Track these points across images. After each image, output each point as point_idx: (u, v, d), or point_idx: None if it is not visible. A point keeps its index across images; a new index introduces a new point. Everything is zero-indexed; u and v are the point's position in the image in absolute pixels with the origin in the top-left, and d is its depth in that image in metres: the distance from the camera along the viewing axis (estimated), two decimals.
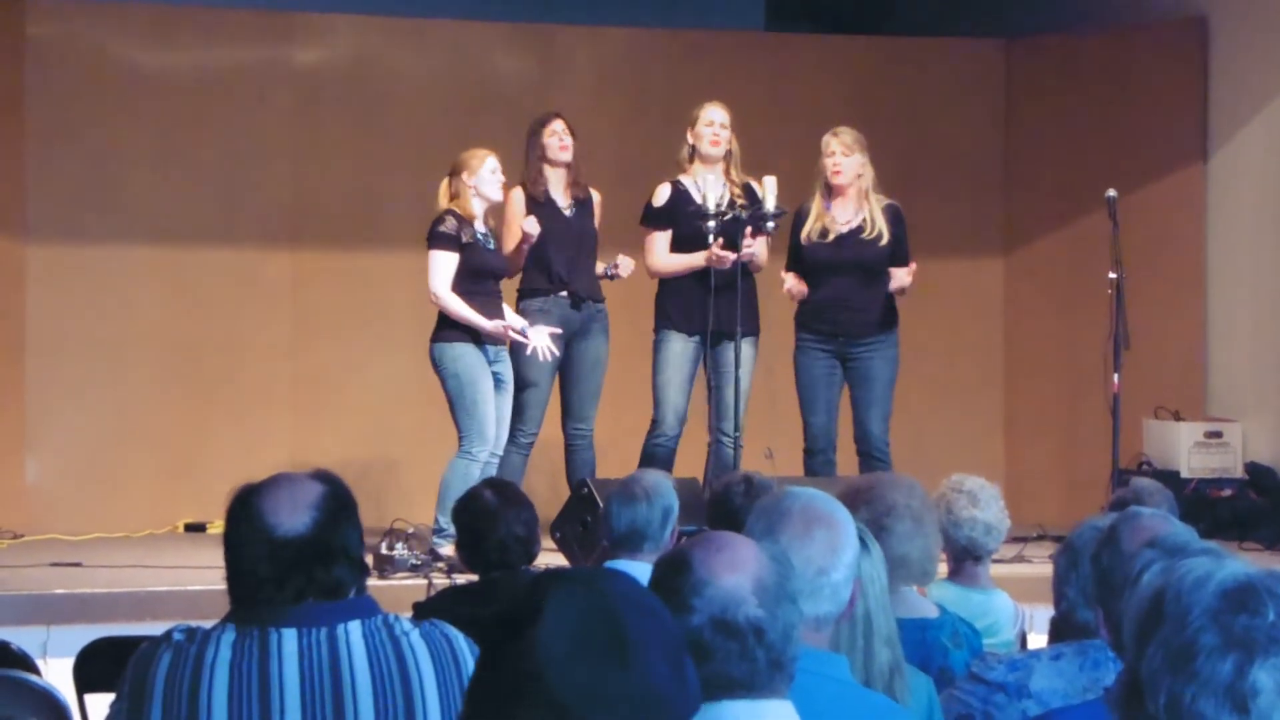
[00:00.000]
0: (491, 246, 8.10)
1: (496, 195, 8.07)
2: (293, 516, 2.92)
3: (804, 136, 8.51)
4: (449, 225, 7.97)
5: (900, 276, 8.29)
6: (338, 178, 9.98)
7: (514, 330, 7.92)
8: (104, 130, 9.66)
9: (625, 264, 8.40)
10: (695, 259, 8.26)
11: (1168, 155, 10.16)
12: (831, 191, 8.33)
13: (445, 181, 8.08)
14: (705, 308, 8.22)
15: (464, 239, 7.97)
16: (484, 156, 8.05)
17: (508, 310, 8.17)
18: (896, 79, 10.70)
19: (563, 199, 8.38)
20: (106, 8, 9.87)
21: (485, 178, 8.03)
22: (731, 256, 8.14)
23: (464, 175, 8.02)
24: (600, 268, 8.46)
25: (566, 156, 8.33)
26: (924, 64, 10.82)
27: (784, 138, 9.35)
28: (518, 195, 8.31)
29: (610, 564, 4.94)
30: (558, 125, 8.34)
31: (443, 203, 8.06)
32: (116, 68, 9.75)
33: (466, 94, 10.14)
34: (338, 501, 2.98)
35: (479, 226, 8.05)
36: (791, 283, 8.29)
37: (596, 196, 8.49)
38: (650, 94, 9.49)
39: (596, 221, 8.48)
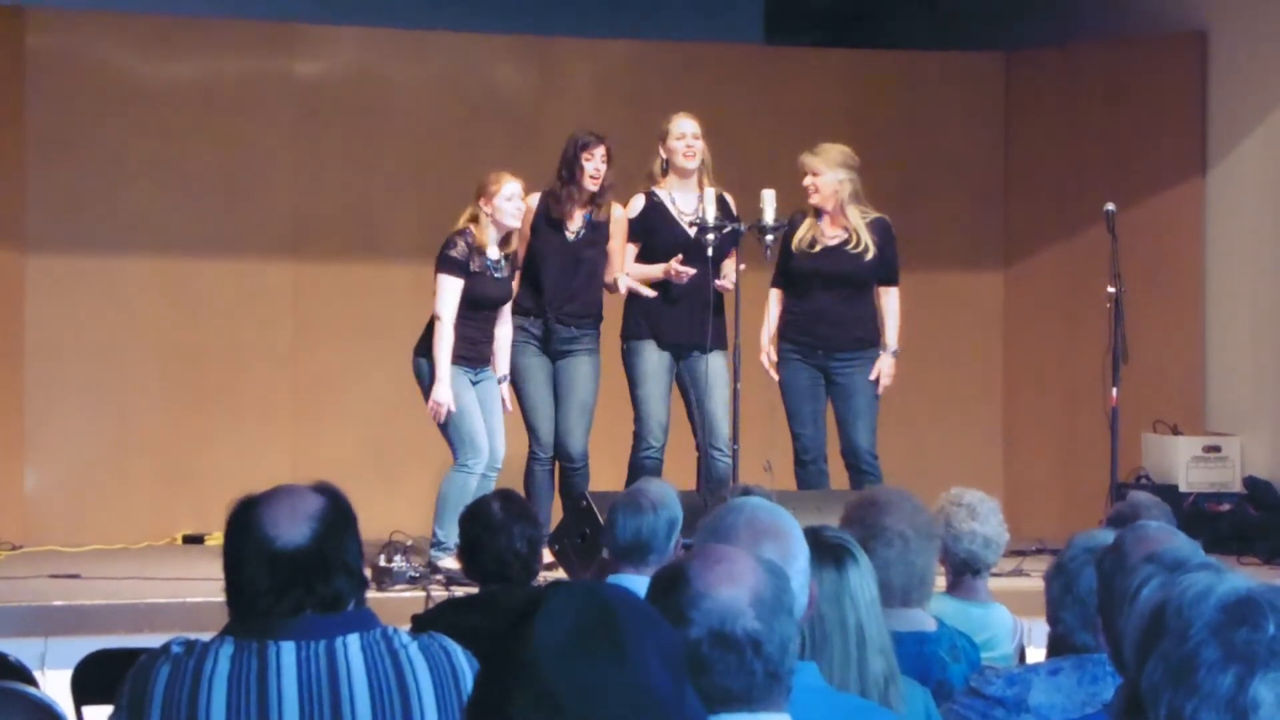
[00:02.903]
0: (500, 275, 8.08)
1: (513, 223, 8.03)
2: (292, 528, 2.92)
3: (803, 149, 8.51)
4: (459, 250, 7.96)
5: (892, 318, 8.41)
6: (338, 188, 9.98)
7: (439, 411, 7.90)
8: (104, 141, 9.67)
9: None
10: (654, 271, 8.26)
11: (1167, 169, 10.16)
12: (817, 210, 8.36)
13: (470, 207, 8.06)
14: (678, 320, 8.23)
15: (472, 267, 7.96)
16: (503, 182, 7.99)
17: (505, 343, 8.19)
18: (896, 92, 10.71)
19: (575, 221, 8.32)
20: (107, 18, 9.87)
21: (501, 206, 8.00)
22: (691, 271, 8.13)
23: (482, 201, 8.00)
24: (621, 281, 8.35)
25: (594, 187, 8.23)
26: (924, 77, 10.83)
27: (783, 151, 9.34)
28: (532, 204, 8.27)
29: (614, 578, 4.92)
30: (598, 152, 8.20)
31: (460, 222, 8.04)
32: (117, 78, 9.75)
33: (466, 105, 10.15)
34: (338, 514, 2.97)
35: (491, 254, 8.02)
36: (770, 356, 8.35)
37: (618, 213, 8.39)
38: (649, 106, 9.47)
39: (617, 240, 8.38)
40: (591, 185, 8.22)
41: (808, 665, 2.96)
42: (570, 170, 8.24)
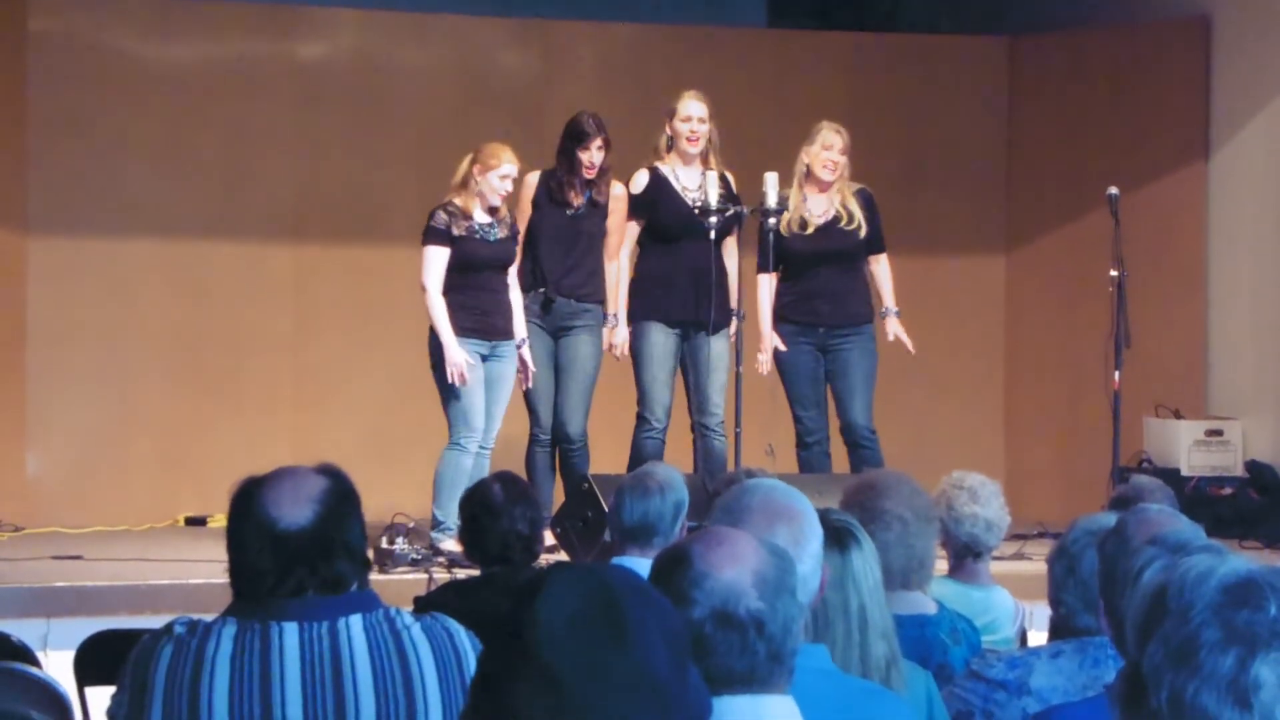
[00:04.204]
0: (493, 238, 8.06)
1: (494, 202, 8.02)
2: (294, 510, 2.92)
3: (806, 133, 8.50)
4: (439, 220, 7.97)
5: (885, 281, 8.48)
6: (340, 172, 9.98)
7: (460, 374, 7.85)
8: (106, 124, 9.66)
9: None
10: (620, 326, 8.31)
11: (1170, 154, 10.16)
12: (809, 183, 8.34)
13: (466, 160, 8.05)
14: (683, 298, 8.24)
15: (455, 232, 7.95)
16: (501, 161, 7.95)
17: (517, 308, 8.16)
18: (899, 76, 10.70)
19: (574, 199, 8.33)
20: (109, 1, 9.86)
21: (492, 182, 7.98)
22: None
23: (476, 169, 8.00)
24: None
25: (590, 176, 8.24)
26: (927, 61, 10.82)
27: (786, 134, 9.34)
28: (533, 180, 8.28)
29: (618, 560, 4.92)
30: (594, 145, 8.19)
31: (456, 180, 8.03)
32: (118, 61, 9.75)
33: (468, 89, 10.14)
34: (340, 495, 2.98)
35: (479, 218, 8.02)
36: (768, 352, 8.34)
37: (619, 191, 8.38)
38: (652, 90, 9.47)
39: (617, 217, 8.39)
40: (586, 175, 8.25)
41: (818, 648, 2.97)
42: (569, 159, 8.25)
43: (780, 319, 8.41)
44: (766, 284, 8.40)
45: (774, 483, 3.03)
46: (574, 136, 8.25)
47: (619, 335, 8.33)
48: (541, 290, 8.28)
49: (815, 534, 2.94)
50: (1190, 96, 10.12)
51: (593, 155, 8.21)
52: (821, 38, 11.05)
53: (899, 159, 10.21)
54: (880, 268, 8.49)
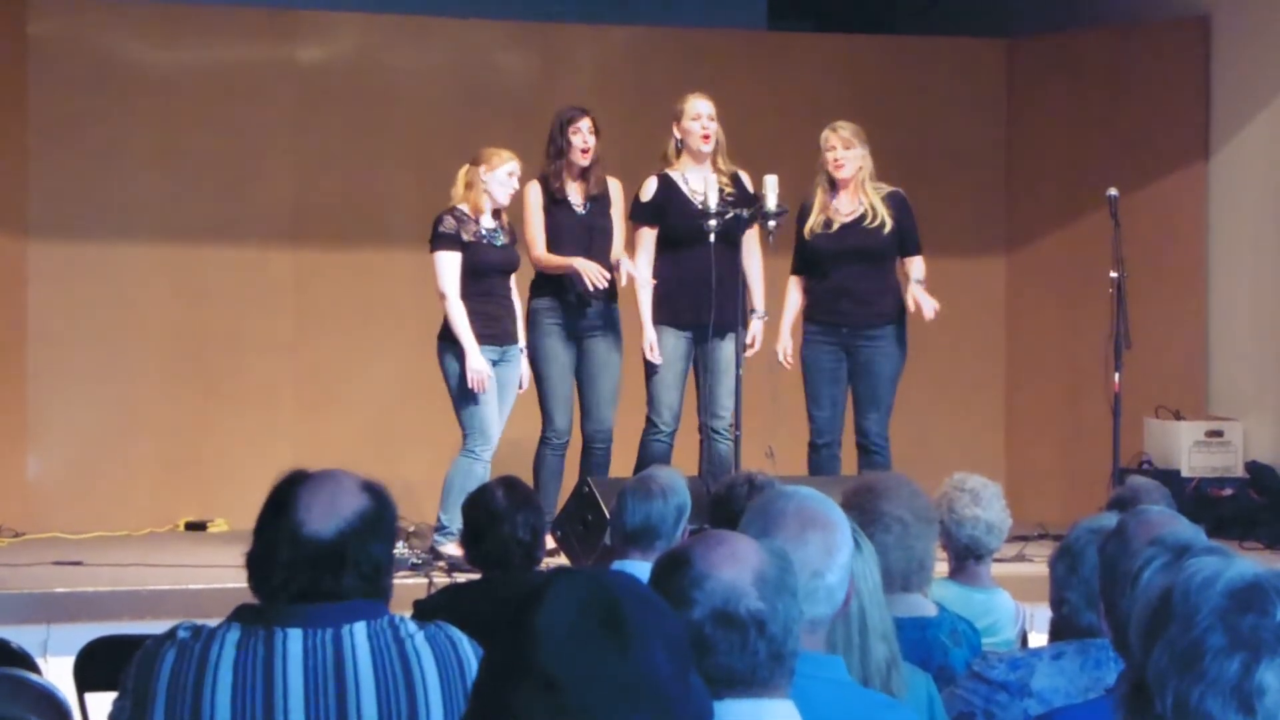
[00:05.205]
0: (500, 243, 8.07)
1: (503, 200, 8.04)
2: (323, 519, 2.92)
3: (806, 135, 8.51)
4: (448, 225, 7.96)
5: (918, 269, 8.37)
6: (340, 175, 9.98)
7: (482, 381, 7.84)
8: (106, 127, 9.66)
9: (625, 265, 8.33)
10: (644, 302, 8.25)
11: (1169, 154, 10.16)
12: (834, 185, 8.35)
13: (464, 169, 8.06)
14: (695, 302, 8.21)
15: (465, 237, 7.95)
16: (505, 158, 8.01)
17: (519, 314, 8.14)
18: (899, 78, 10.70)
19: (577, 197, 8.33)
20: (109, 5, 9.86)
21: (500, 178, 8.00)
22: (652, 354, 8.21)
23: (481, 169, 8.01)
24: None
25: (585, 161, 8.25)
26: (926, 63, 10.82)
27: (786, 137, 9.35)
28: (535, 191, 8.27)
29: (620, 564, 4.92)
30: (583, 125, 8.24)
31: (458, 189, 8.04)
32: (119, 65, 9.75)
33: (469, 92, 10.14)
34: (371, 519, 2.96)
35: (485, 222, 8.03)
36: (785, 349, 8.35)
37: (616, 185, 8.41)
38: (652, 93, 9.48)
39: (617, 211, 8.41)
40: (582, 159, 8.24)
41: (835, 659, 2.96)
42: (559, 147, 8.25)
43: (805, 318, 8.41)
44: (795, 285, 8.41)
45: (810, 491, 3.03)
46: (562, 122, 8.27)
47: (652, 336, 8.28)
48: (571, 296, 8.24)
49: (846, 545, 2.95)
50: (1190, 96, 10.12)
51: (585, 137, 8.22)
52: (821, 40, 11.05)
53: (899, 160, 10.18)
54: (915, 266, 8.41)
